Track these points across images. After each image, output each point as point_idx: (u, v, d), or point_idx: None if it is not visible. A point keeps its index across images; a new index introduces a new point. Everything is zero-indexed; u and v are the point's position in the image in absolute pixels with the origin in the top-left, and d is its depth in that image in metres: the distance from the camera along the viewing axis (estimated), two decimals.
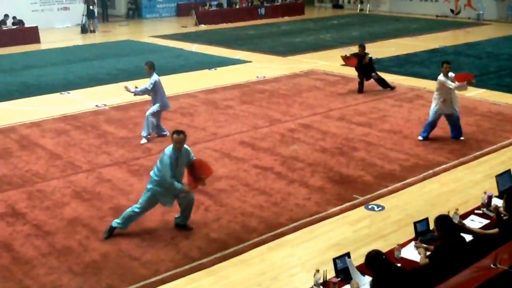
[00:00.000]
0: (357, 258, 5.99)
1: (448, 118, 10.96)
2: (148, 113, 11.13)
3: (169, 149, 7.24)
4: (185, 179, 7.53)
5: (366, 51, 14.71)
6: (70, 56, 20.38)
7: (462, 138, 10.98)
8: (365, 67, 14.67)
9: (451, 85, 10.56)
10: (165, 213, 8.02)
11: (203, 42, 23.07)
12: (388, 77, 16.26)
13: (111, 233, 7.53)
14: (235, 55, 20.15)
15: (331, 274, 5.56)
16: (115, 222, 7.55)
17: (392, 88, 14.86)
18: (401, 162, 9.94)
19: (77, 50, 21.95)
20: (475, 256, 5.46)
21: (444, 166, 9.78)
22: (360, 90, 14.75)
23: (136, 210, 7.46)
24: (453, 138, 10.99)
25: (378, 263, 5.14)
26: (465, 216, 6.65)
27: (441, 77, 10.68)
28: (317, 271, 5.43)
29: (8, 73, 17.75)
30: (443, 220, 5.77)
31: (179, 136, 7.19)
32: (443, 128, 11.12)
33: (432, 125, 10.99)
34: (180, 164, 7.30)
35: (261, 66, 18.22)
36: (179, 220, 7.75)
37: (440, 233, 5.76)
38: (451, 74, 10.73)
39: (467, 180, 9.22)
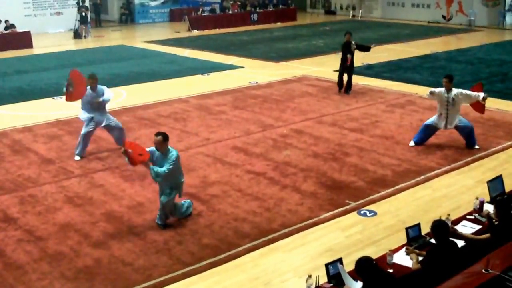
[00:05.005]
0: (349, 264, 6.00)
1: (457, 130, 10.86)
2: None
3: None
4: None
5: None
6: (62, 61, 20.32)
7: (476, 147, 10.82)
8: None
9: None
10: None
11: (196, 48, 23.09)
12: (380, 83, 16.43)
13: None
14: (228, 61, 20.17)
15: (323, 279, 5.59)
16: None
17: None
18: (393, 168, 9.98)
19: (69, 55, 21.91)
20: (467, 261, 5.49)
21: (436, 171, 9.82)
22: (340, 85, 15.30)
23: None
24: (468, 147, 10.83)
25: (368, 269, 5.15)
26: (457, 221, 6.70)
27: (440, 89, 10.60)
28: (309, 276, 5.45)
29: (0, 78, 17.69)
30: (440, 226, 5.80)
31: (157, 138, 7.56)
32: (435, 134, 11.15)
33: (422, 134, 10.93)
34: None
35: (253, 72, 18.25)
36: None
37: (436, 239, 5.79)
38: (461, 91, 10.56)
39: (459, 186, 9.25)
